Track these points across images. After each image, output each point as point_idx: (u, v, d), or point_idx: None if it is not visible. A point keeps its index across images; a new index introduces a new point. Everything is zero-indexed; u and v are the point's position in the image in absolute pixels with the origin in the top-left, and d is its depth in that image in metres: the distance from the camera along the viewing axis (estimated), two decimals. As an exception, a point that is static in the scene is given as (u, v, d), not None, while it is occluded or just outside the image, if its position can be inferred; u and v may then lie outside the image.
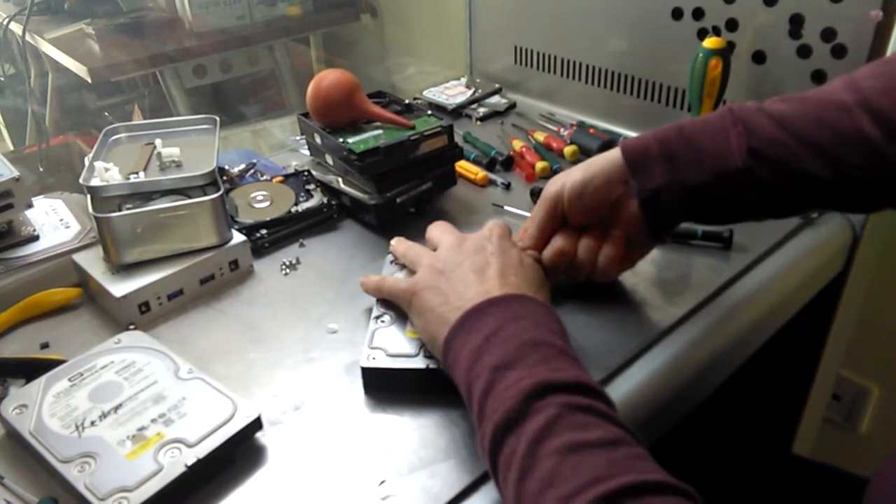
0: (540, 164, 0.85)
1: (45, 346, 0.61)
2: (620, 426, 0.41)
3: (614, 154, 0.58)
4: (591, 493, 0.36)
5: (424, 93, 1.08)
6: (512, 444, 0.41)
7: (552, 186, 0.60)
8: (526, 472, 0.39)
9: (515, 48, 1.09)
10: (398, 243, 0.64)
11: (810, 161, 0.52)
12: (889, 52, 0.70)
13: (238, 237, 0.68)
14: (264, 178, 0.82)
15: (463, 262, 0.54)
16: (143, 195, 0.66)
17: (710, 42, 0.76)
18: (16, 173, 0.66)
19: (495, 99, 1.07)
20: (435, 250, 0.59)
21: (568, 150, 0.89)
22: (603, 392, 0.44)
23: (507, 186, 0.84)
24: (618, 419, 0.42)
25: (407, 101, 0.82)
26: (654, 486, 0.37)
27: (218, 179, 0.67)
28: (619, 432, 0.40)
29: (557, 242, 0.60)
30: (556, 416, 0.40)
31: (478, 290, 0.51)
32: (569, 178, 0.59)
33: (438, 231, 0.61)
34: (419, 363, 0.53)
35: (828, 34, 0.74)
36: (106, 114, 1.70)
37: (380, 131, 0.76)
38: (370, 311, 0.59)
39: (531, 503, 0.38)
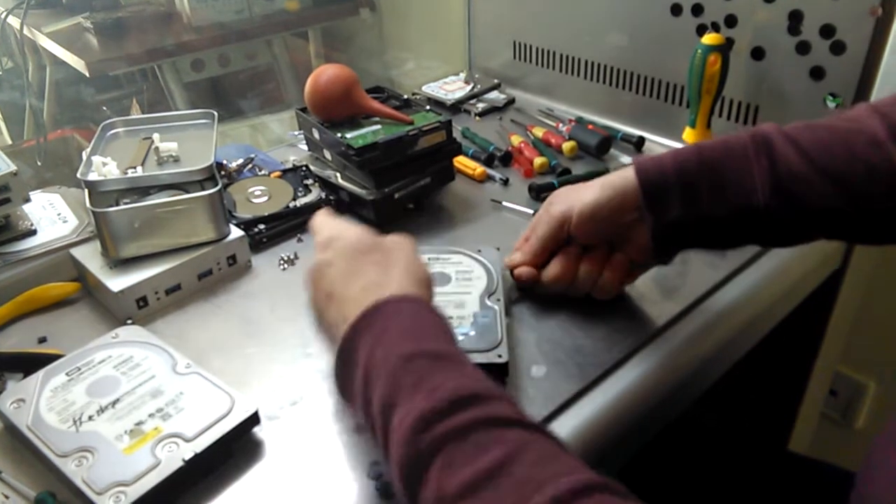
0: (538, 160, 0.85)
1: (42, 340, 0.61)
2: (515, 425, 0.38)
3: (628, 177, 0.55)
4: None
5: (423, 88, 1.08)
6: (423, 497, 0.38)
7: (559, 205, 0.58)
8: None
9: (514, 43, 1.09)
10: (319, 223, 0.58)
11: (835, 196, 0.51)
12: (888, 48, 0.70)
13: (236, 232, 0.68)
14: (262, 172, 0.82)
15: (320, 286, 0.50)
16: (141, 190, 0.66)
17: (709, 38, 0.76)
18: (13, 167, 0.65)
19: (494, 94, 1.07)
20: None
21: (567, 145, 0.89)
22: (486, 391, 0.40)
23: (506, 182, 0.84)
24: (510, 416, 0.39)
25: (405, 97, 0.82)
26: (580, 490, 0.34)
27: (216, 174, 0.67)
28: (516, 437, 0.37)
29: (558, 265, 0.59)
30: (448, 452, 0.37)
31: (341, 316, 0.47)
32: (579, 200, 0.56)
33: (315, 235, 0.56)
34: None
35: (827, 30, 0.74)
36: (104, 108, 1.69)
37: (378, 126, 0.76)
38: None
39: None
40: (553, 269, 0.59)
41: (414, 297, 0.47)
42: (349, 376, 0.45)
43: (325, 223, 0.56)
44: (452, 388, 0.40)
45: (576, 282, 0.59)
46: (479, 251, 0.64)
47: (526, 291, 0.63)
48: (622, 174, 0.55)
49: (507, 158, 0.88)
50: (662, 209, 0.54)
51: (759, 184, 0.51)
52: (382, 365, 0.42)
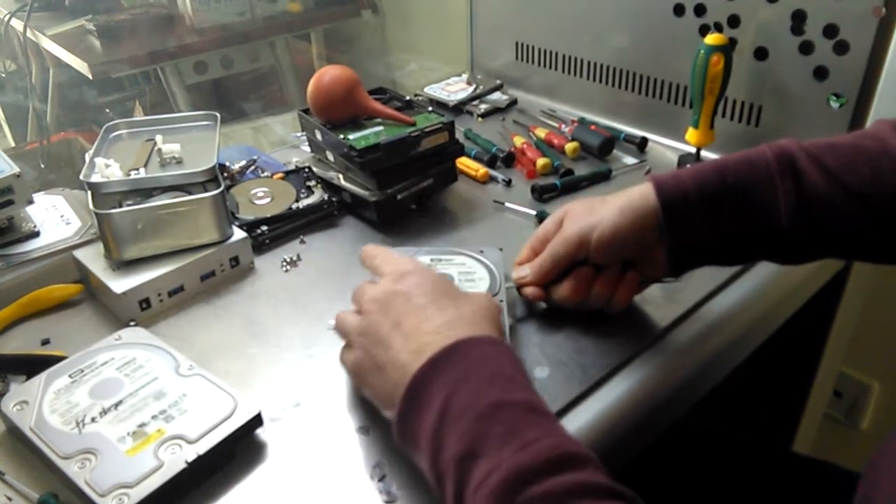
0: (541, 161, 0.85)
1: (45, 342, 0.61)
2: (612, 495, 0.36)
3: (648, 198, 0.53)
4: None
5: (425, 89, 1.08)
6: None
7: (575, 226, 0.55)
8: None
9: (517, 44, 1.09)
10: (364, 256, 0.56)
11: (860, 218, 0.50)
12: (892, 47, 0.70)
13: (239, 234, 0.68)
14: (265, 174, 0.82)
15: (388, 315, 0.47)
16: (144, 192, 0.66)
17: (711, 38, 0.76)
18: (16, 170, 0.66)
19: (496, 95, 1.07)
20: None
21: (569, 146, 0.89)
22: (583, 454, 0.38)
23: (508, 183, 0.84)
24: (606, 485, 0.37)
25: (408, 98, 0.82)
26: None
27: (218, 176, 0.67)
28: None
29: (571, 286, 0.57)
30: None
31: (411, 350, 0.44)
32: (598, 223, 0.54)
33: (373, 266, 0.54)
34: None
35: (830, 30, 0.74)
36: (107, 110, 1.70)
37: (380, 128, 0.76)
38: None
39: None
40: (565, 289, 0.58)
41: (498, 341, 0.45)
42: (415, 416, 0.41)
43: (388, 254, 0.54)
44: (548, 447, 0.37)
45: (587, 300, 0.58)
46: (482, 252, 0.64)
47: (531, 305, 0.63)
48: (641, 195, 0.53)
49: (509, 159, 0.88)
50: (684, 231, 0.53)
51: (783, 206, 0.50)
52: (464, 411, 0.39)
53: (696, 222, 0.52)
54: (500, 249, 0.64)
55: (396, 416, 0.43)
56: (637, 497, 0.37)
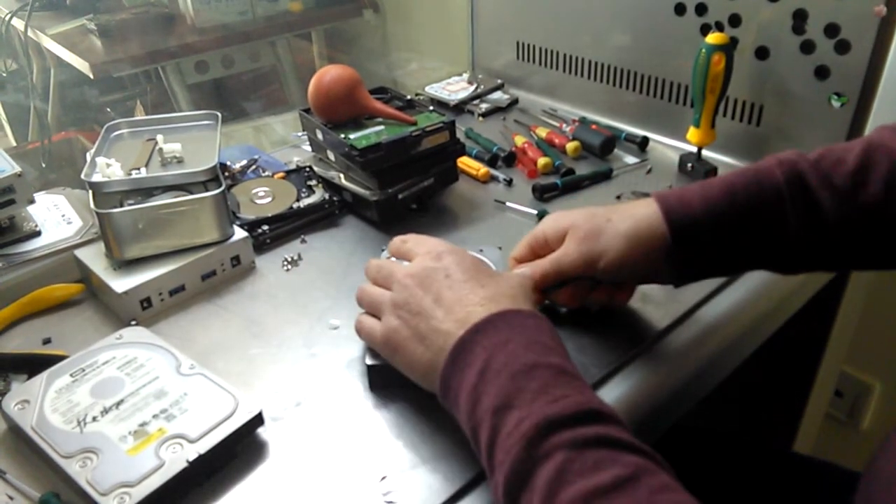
0: (542, 160, 0.85)
1: (47, 341, 0.61)
2: (635, 451, 0.38)
3: (656, 225, 0.52)
4: None
5: (426, 89, 1.08)
6: (526, 502, 0.38)
7: (581, 248, 0.54)
8: None
9: (517, 44, 1.09)
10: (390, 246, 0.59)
11: (870, 233, 0.50)
12: (893, 47, 0.70)
13: (240, 233, 0.68)
14: (266, 174, 0.82)
15: (430, 290, 0.50)
16: (145, 191, 0.66)
17: (713, 38, 0.76)
18: (18, 169, 0.66)
19: (497, 95, 1.07)
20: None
21: (570, 146, 0.89)
22: (609, 412, 0.41)
23: (510, 183, 0.84)
24: (631, 441, 0.39)
25: (409, 97, 0.82)
26: None
27: (220, 175, 0.67)
28: (636, 461, 0.37)
29: (569, 293, 0.58)
30: (564, 462, 0.37)
31: (456, 319, 0.47)
32: (605, 253, 0.53)
33: (405, 249, 0.56)
34: None
35: (831, 30, 0.74)
36: (108, 109, 1.70)
37: (381, 127, 0.76)
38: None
39: None
40: (563, 296, 0.59)
41: (537, 314, 0.48)
42: (458, 375, 0.45)
43: (420, 237, 0.57)
44: (577, 402, 0.40)
45: (583, 304, 0.59)
46: (481, 251, 0.64)
47: None
48: (650, 223, 0.52)
49: (510, 159, 0.88)
50: (692, 255, 0.52)
51: (794, 228, 0.50)
52: (503, 368, 0.43)
53: (705, 248, 0.52)
54: (500, 248, 0.64)
55: (440, 377, 0.46)
56: (660, 458, 0.38)
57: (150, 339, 0.56)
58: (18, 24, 1.59)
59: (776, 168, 0.52)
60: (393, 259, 0.59)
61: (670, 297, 0.63)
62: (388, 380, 0.54)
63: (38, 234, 0.69)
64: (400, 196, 0.74)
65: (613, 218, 0.54)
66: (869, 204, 0.50)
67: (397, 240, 0.58)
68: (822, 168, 0.51)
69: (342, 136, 0.74)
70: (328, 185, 0.78)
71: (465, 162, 0.86)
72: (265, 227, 0.73)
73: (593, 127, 0.93)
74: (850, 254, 0.53)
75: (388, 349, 0.51)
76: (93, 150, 0.69)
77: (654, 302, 0.63)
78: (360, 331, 0.54)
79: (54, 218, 0.72)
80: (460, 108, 1.04)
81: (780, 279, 0.67)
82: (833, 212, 0.50)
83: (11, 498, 0.46)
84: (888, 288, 1.01)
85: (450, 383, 0.45)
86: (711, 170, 0.82)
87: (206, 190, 0.66)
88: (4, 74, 1.79)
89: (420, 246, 0.55)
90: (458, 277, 0.50)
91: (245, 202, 0.76)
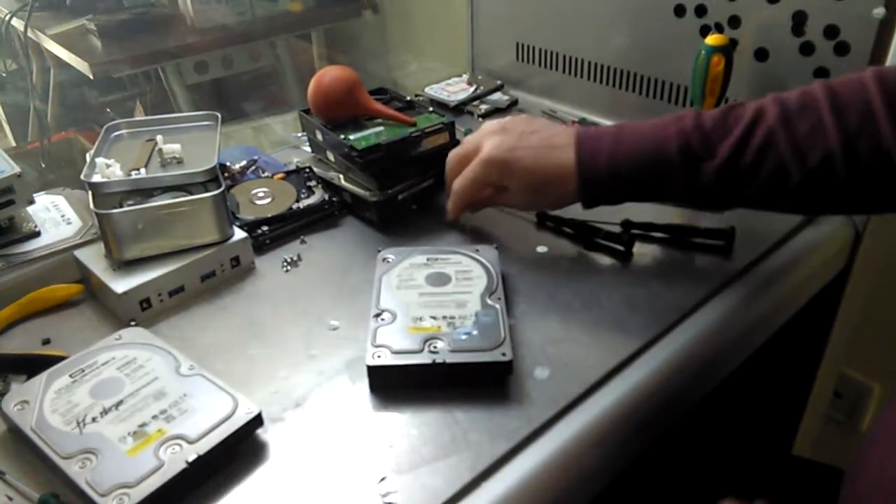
0: (542, 161, 0.85)
1: (46, 342, 0.61)
2: None
3: (568, 174, 0.62)
4: None
5: (426, 89, 1.08)
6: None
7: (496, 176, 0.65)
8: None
9: (517, 45, 1.09)
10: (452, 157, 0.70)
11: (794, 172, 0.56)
12: (892, 48, 0.70)
13: (239, 234, 0.68)
14: (265, 174, 0.82)
15: (516, 126, 0.64)
16: (145, 192, 0.66)
17: (712, 39, 0.76)
18: (17, 169, 0.66)
19: (497, 96, 1.07)
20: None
21: (570, 147, 0.89)
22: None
23: (509, 183, 0.84)
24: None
25: (408, 98, 0.82)
26: None
27: (219, 176, 0.67)
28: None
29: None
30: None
31: (561, 133, 0.63)
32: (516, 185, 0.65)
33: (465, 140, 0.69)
34: (425, 358, 0.53)
35: (831, 31, 0.74)
36: (107, 110, 1.70)
37: (381, 128, 0.76)
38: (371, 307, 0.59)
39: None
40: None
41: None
42: (595, 141, 0.61)
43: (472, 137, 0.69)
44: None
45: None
46: (477, 250, 0.64)
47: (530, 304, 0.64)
48: (563, 162, 0.62)
49: (510, 160, 0.88)
50: (596, 199, 0.63)
51: (681, 193, 0.60)
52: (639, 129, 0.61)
53: (607, 197, 0.62)
54: (496, 247, 0.65)
55: (576, 140, 0.61)
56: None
57: (150, 339, 0.56)
58: (18, 24, 1.59)
59: (674, 139, 0.58)
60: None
61: (669, 297, 0.63)
62: (388, 380, 0.54)
63: (37, 234, 0.69)
64: (400, 197, 0.74)
65: (531, 148, 0.63)
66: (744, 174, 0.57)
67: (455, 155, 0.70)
68: (711, 140, 0.58)
69: (342, 136, 0.74)
70: (328, 185, 0.78)
71: (464, 163, 0.85)
72: (265, 228, 0.73)
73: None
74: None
75: (502, 153, 0.63)
76: (92, 151, 0.69)
77: (654, 302, 0.63)
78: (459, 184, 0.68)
79: (54, 218, 0.72)
80: (460, 108, 1.04)
81: (780, 279, 0.68)
82: (715, 185, 0.58)
83: (10, 499, 0.46)
84: (888, 289, 1.01)
85: (586, 146, 0.61)
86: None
87: (206, 190, 0.66)
88: (4, 74, 1.79)
89: (478, 133, 0.67)
90: (537, 123, 0.65)
91: (245, 203, 0.76)
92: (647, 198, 0.62)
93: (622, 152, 0.60)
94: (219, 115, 0.76)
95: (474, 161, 0.65)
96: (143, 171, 0.67)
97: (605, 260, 0.69)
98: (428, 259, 0.63)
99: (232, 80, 1.74)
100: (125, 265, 0.64)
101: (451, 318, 0.56)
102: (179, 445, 0.46)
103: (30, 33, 1.57)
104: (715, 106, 0.79)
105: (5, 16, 1.60)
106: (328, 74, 0.76)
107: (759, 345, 0.68)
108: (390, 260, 0.64)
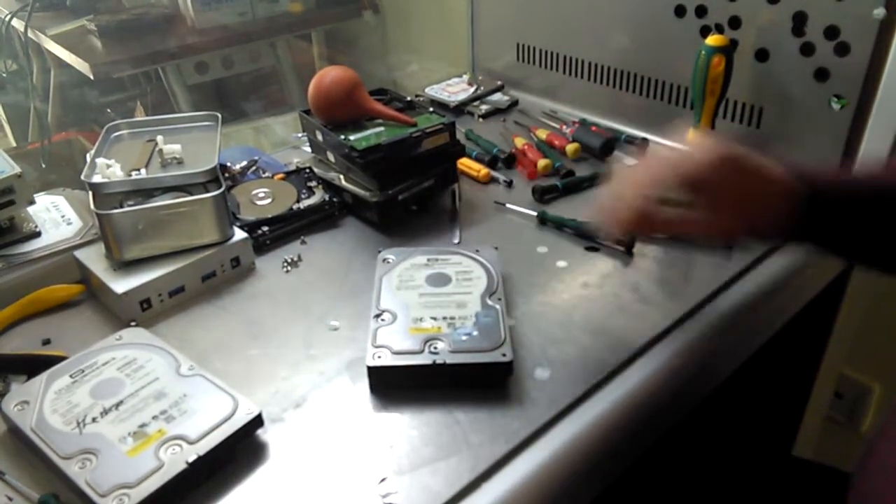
0: (542, 162, 0.85)
1: (46, 342, 0.61)
2: None
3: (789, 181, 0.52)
4: None
5: (426, 90, 1.08)
6: None
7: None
8: None
9: (518, 45, 1.09)
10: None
11: None
12: (893, 49, 0.70)
13: (240, 234, 0.68)
14: (266, 175, 0.82)
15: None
16: (145, 192, 0.66)
17: (712, 39, 0.76)
18: (18, 170, 0.66)
19: (497, 96, 1.07)
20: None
21: (570, 147, 0.89)
22: None
23: (510, 184, 0.84)
24: None
25: (409, 98, 0.82)
26: None
27: (220, 176, 0.67)
28: None
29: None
30: None
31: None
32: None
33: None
34: (425, 359, 0.53)
35: (831, 32, 0.74)
36: (108, 110, 1.69)
37: (381, 128, 0.76)
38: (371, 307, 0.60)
39: None
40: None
41: None
42: None
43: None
44: None
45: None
46: (478, 251, 0.64)
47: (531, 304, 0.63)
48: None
49: (510, 160, 0.88)
50: (821, 212, 0.52)
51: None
52: None
53: (835, 210, 0.52)
54: (496, 248, 0.65)
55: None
56: None
57: (150, 339, 0.56)
58: (18, 24, 1.59)
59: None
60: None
61: (670, 298, 0.63)
62: (388, 381, 0.54)
63: (37, 234, 0.69)
64: (400, 197, 0.74)
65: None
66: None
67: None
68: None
69: (342, 137, 0.74)
70: (328, 186, 0.78)
71: (465, 163, 0.86)
72: (265, 229, 0.73)
73: (593, 128, 0.93)
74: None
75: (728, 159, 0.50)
76: (93, 151, 0.69)
77: (654, 304, 0.63)
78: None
79: (54, 218, 0.72)
80: (460, 109, 1.04)
81: (780, 281, 0.68)
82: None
83: (10, 499, 0.46)
84: (888, 290, 1.01)
85: None
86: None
87: (206, 191, 0.66)
88: (4, 75, 1.78)
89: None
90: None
91: (245, 203, 0.76)
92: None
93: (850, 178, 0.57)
94: (219, 116, 0.76)
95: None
96: (143, 171, 0.67)
97: (605, 260, 0.69)
98: (428, 259, 0.63)
99: (232, 81, 1.74)
100: (125, 265, 0.64)
101: (452, 318, 0.56)
102: (179, 446, 0.46)
103: (30, 34, 1.57)
104: (715, 106, 0.79)
105: (6, 16, 1.60)
106: (328, 75, 0.76)
107: (759, 346, 0.68)
108: (390, 260, 0.64)
